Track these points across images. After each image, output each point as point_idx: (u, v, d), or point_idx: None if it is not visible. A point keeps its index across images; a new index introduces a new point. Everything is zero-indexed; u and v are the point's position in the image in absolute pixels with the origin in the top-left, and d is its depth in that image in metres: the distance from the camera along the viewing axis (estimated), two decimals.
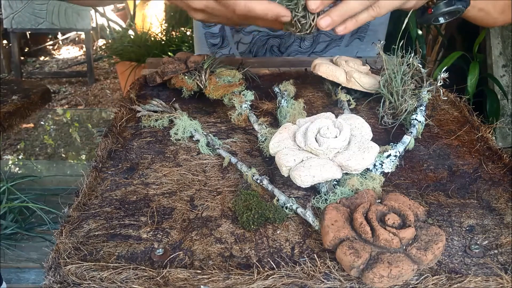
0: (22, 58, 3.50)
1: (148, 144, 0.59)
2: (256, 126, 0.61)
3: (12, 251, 1.17)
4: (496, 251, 0.41)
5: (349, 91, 0.69)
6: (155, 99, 0.66)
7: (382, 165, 0.51)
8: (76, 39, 4.01)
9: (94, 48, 3.63)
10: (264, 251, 0.41)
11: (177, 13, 2.67)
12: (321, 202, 0.46)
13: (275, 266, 0.39)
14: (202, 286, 0.37)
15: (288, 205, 0.46)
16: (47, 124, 2.58)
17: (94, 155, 0.55)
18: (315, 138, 0.49)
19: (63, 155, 2.27)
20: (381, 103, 0.63)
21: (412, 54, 0.65)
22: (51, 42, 3.89)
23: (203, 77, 0.69)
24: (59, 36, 3.91)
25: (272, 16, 0.55)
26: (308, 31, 0.57)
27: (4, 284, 1.09)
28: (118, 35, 2.63)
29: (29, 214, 1.23)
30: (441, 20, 0.63)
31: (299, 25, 0.56)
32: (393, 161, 0.52)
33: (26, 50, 3.72)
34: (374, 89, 0.66)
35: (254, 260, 0.40)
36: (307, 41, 0.92)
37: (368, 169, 0.50)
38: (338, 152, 0.48)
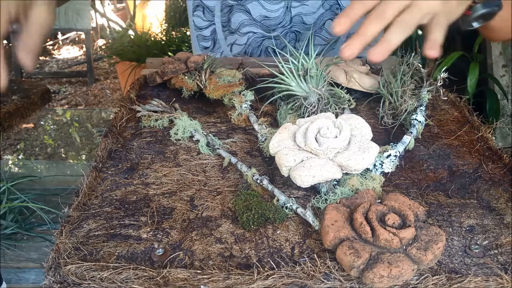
0: None
1: (148, 144, 0.59)
2: (256, 126, 0.61)
3: (12, 251, 1.17)
4: (496, 251, 0.41)
5: (349, 91, 0.69)
6: (155, 99, 0.66)
7: (382, 165, 0.51)
8: (76, 39, 4.01)
9: (94, 48, 3.63)
10: (264, 251, 0.41)
11: (177, 13, 2.67)
12: (321, 202, 0.46)
13: (275, 266, 0.39)
14: (202, 286, 0.37)
15: (288, 205, 0.46)
16: (47, 124, 2.58)
17: (94, 155, 0.55)
18: (315, 138, 0.49)
19: (63, 155, 2.27)
20: (381, 103, 0.63)
21: (412, 54, 0.65)
22: (51, 42, 3.88)
23: (203, 77, 0.69)
24: (59, 36, 3.91)
25: None
26: None
27: (4, 284, 1.09)
28: (118, 35, 2.63)
29: (29, 214, 1.23)
30: (475, 24, 0.62)
31: None
32: (393, 161, 0.52)
33: None
34: (374, 89, 0.66)
35: (254, 260, 0.40)
36: (302, 42, 0.92)
37: (368, 169, 0.50)
38: (338, 152, 0.48)
